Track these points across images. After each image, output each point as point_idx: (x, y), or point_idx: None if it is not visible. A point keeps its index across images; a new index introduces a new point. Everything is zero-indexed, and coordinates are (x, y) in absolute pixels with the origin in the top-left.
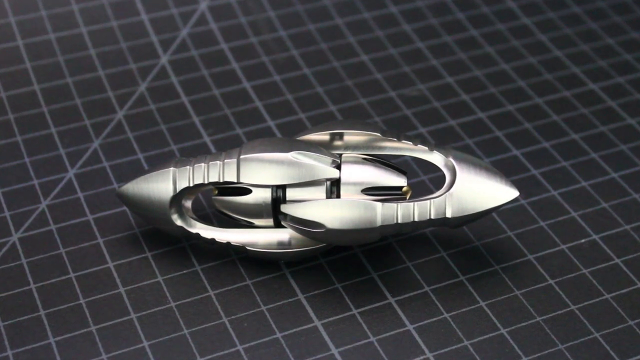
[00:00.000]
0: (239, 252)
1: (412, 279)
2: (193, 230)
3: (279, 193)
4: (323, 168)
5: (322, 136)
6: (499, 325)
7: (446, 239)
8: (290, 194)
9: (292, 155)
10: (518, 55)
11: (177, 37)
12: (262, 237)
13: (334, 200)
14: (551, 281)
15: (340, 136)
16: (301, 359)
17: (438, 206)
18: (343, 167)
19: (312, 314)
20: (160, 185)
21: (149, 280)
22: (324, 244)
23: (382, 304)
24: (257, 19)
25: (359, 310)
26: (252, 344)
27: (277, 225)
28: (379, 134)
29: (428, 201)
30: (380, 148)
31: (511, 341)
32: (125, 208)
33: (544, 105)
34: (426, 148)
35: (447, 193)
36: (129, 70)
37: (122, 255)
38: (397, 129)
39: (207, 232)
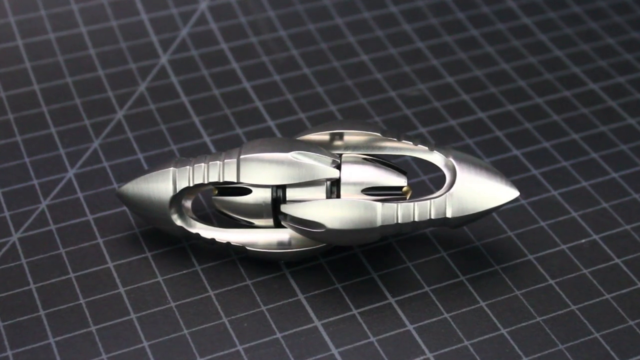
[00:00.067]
0: (239, 252)
1: (412, 279)
2: (193, 230)
3: (279, 193)
4: (323, 168)
5: (322, 136)
6: (499, 325)
7: (446, 239)
8: (290, 194)
9: (292, 155)
10: (518, 55)
11: (177, 37)
12: (262, 237)
13: (334, 200)
14: (551, 281)
15: (340, 136)
16: (301, 359)
17: (438, 206)
18: (343, 167)
19: (312, 314)
20: (160, 185)
21: (149, 281)
22: (324, 244)
23: (382, 304)
24: (257, 19)
25: (359, 310)
26: (252, 344)
27: (277, 225)
28: (379, 134)
29: (428, 201)
30: (381, 148)
31: (511, 341)
32: (125, 208)
33: (544, 105)
34: (426, 148)
35: (447, 193)
36: (128, 70)
37: (122, 255)
38: (397, 129)
39: (207, 232)
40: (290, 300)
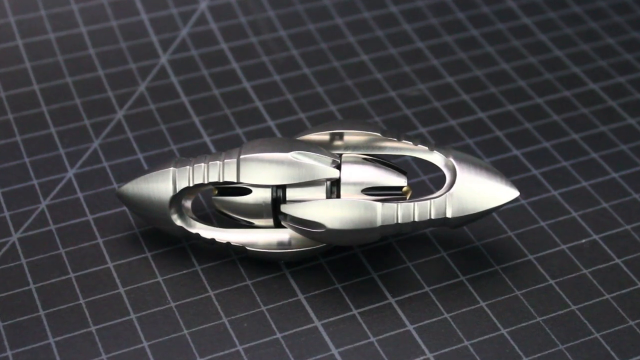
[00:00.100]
0: (239, 252)
1: (412, 279)
2: (193, 230)
3: (279, 193)
4: (323, 168)
5: (322, 136)
6: (499, 325)
7: (446, 239)
8: (290, 194)
9: (292, 155)
10: (518, 55)
11: (176, 37)
12: (262, 237)
13: (334, 200)
14: (551, 281)
15: (340, 136)
16: (301, 359)
17: (438, 206)
18: (343, 167)
19: (312, 314)
20: (160, 185)
21: (149, 281)
22: (324, 244)
23: (382, 304)
24: (257, 19)
25: (359, 310)
26: (252, 344)
27: (277, 225)
28: (379, 134)
29: (428, 201)
30: (381, 148)
31: (511, 341)
32: (125, 208)
33: (544, 105)
34: (426, 148)
35: (447, 193)
36: (128, 70)
37: (122, 256)
38: (397, 129)
39: (207, 232)
40: (290, 300)
